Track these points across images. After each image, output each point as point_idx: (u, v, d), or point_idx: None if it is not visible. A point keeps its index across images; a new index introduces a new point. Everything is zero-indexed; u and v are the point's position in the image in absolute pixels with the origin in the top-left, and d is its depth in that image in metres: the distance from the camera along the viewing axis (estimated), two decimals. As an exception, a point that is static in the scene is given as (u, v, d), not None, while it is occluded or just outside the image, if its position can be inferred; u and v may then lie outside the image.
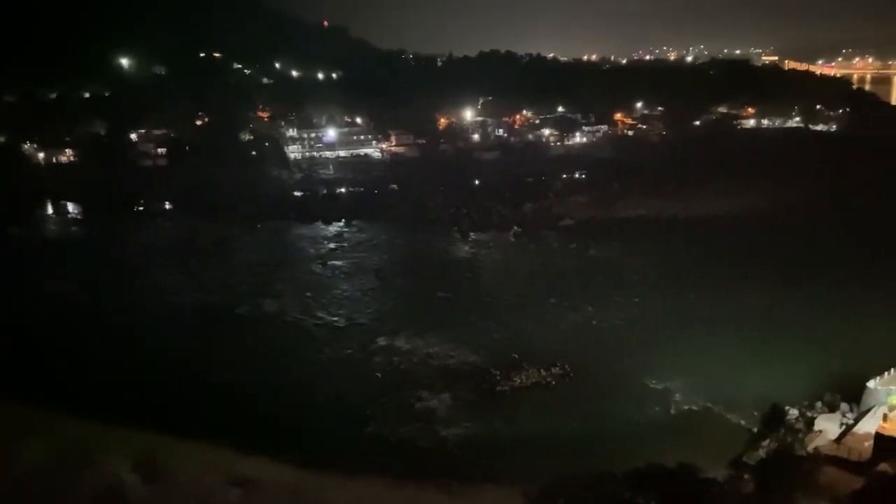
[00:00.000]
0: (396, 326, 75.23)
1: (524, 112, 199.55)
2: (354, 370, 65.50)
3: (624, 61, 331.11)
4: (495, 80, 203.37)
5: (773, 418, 52.90)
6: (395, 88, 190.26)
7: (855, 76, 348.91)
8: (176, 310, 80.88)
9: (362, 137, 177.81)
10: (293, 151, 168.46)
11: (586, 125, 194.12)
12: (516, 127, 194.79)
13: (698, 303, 78.89)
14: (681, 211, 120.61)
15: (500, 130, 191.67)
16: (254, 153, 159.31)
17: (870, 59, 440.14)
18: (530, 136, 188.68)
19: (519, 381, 61.44)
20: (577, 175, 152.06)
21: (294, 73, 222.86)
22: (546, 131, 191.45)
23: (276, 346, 71.09)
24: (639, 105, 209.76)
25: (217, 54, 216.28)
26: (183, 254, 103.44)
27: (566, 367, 63.07)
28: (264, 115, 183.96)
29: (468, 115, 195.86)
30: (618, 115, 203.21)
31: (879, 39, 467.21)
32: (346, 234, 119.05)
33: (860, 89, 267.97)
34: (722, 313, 74.60)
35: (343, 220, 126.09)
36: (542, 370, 62.70)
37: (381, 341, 71.52)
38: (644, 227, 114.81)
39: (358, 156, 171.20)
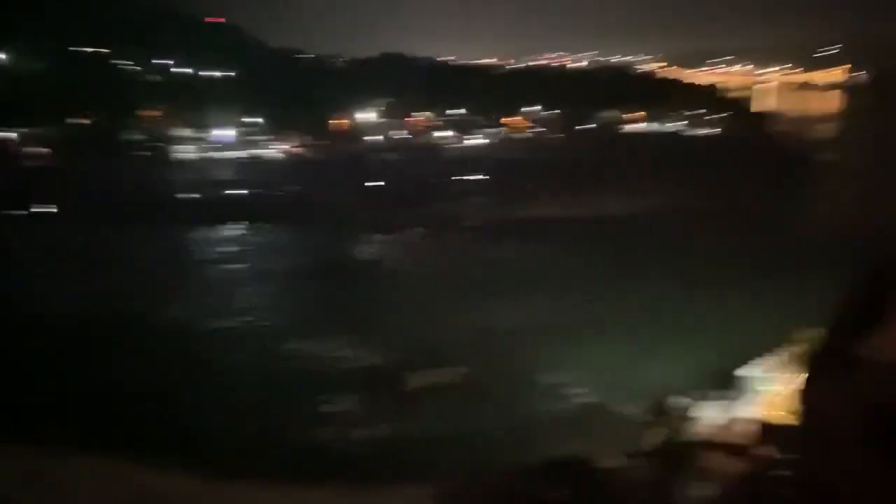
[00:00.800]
0: (302, 330, 74.44)
1: (425, 113, 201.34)
2: (260, 376, 64.43)
3: (520, 65, 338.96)
4: (396, 81, 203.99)
5: (664, 408, 56.42)
6: (294, 88, 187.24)
7: (730, 82, 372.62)
8: (67, 320, 76.40)
9: (260, 138, 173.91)
10: (186, 152, 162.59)
11: (485, 127, 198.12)
12: (417, 128, 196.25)
13: (599, 300, 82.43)
14: (580, 211, 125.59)
15: (402, 132, 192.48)
16: (143, 153, 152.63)
17: (749, 67, 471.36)
18: (431, 138, 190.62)
19: (426, 381, 62.41)
20: (478, 176, 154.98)
21: (186, 71, 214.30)
22: (447, 133, 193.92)
23: (177, 353, 68.73)
24: (535, 108, 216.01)
25: (102, 50, 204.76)
26: (71, 260, 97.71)
27: (472, 365, 64.68)
28: (154, 113, 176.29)
29: (369, 115, 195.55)
30: (515, 118, 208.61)
31: (757, 48, 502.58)
32: (245, 237, 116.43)
33: (734, 95, 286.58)
34: (621, 310, 78.41)
35: (242, 222, 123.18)
36: (448, 369, 64.00)
37: (287, 346, 70.56)
38: (545, 227, 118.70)
39: (256, 156, 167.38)
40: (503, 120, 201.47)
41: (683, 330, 71.56)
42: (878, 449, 25.83)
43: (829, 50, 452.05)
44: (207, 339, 72.95)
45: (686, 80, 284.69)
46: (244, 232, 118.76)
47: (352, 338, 71.51)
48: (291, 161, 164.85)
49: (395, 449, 52.07)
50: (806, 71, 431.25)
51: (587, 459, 43.27)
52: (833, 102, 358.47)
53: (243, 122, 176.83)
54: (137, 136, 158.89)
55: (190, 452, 50.26)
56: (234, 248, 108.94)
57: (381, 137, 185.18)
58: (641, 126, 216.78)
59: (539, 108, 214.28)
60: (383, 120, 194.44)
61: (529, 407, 57.83)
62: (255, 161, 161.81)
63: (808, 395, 34.99)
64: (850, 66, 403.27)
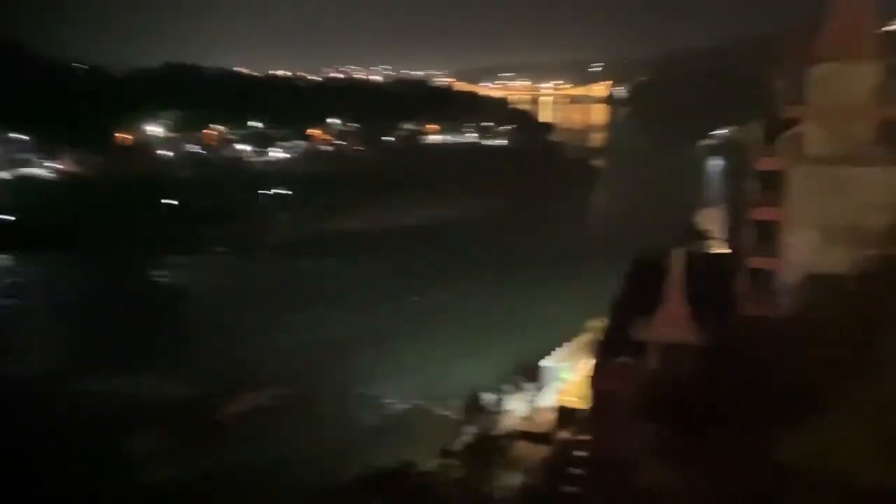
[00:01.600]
0: (94, 367, 67.79)
1: (218, 127, 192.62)
2: (47, 422, 57.59)
3: (315, 78, 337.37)
4: (183, 94, 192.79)
5: (474, 405, 59.25)
6: (67, 101, 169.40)
7: (515, 97, 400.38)
8: None
9: (27, 156, 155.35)
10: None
11: (283, 140, 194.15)
12: (211, 143, 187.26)
13: (408, 307, 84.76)
14: (385, 222, 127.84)
15: (194, 146, 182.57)
16: None
17: (525, 83, 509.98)
18: (227, 153, 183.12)
19: (243, 406, 60.00)
20: (280, 191, 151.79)
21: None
22: (243, 147, 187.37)
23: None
24: (333, 121, 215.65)
25: None
26: None
27: (288, 385, 63.25)
28: None
29: (156, 130, 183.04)
30: (314, 131, 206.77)
31: (532, 66, 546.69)
32: (15, 269, 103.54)
33: (520, 108, 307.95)
34: (430, 315, 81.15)
35: (9, 252, 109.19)
36: (262, 393, 62.02)
37: (79, 386, 63.83)
38: (353, 238, 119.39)
39: (23, 177, 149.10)
40: (306, 133, 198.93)
41: (490, 329, 75.79)
42: (657, 421, 29.31)
43: (595, 67, 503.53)
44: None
45: (477, 94, 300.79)
46: (10, 263, 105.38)
47: (153, 370, 66.57)
48: (67, 181, 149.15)
49: (210, 482, 49.31)
50: (577, 86, 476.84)
51: (407, 466, 44.23)
52: (601, 113, 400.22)
53: (6, 138, 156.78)
54: None
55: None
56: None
57: (171, 153, 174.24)
58: (440, 138, 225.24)
59: (340, 121, 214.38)
60: (173, 134, 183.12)
61: (350, 420, 57.82)
62: (21, 181, 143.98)
63: (596, 379, 38.67)
64: (612, 81, 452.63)
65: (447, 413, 59.52)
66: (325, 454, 52.08)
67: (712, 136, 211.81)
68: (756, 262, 34.39)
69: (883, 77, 33.40)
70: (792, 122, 33.75)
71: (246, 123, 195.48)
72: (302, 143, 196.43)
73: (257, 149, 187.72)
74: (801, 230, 32.70)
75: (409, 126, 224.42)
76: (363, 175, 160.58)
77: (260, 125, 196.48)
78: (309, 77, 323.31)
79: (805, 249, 32.50)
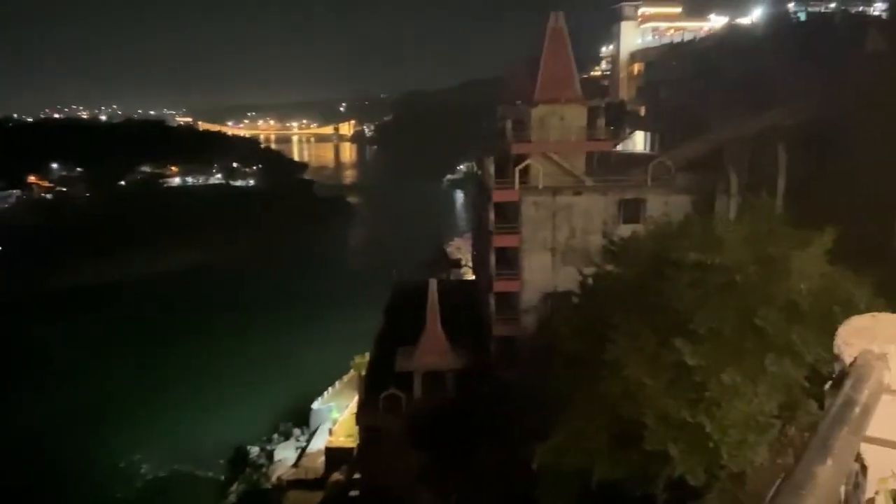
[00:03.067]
0: None
1: None
2: None
3: (30, 119, 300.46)
4: None
5: (238, 461, 56.13)
6: None
7: (262, 136, 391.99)
8: None
9: None
10: None
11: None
12: None
13: (154, 367, 77.38)
14: (123, 274, 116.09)
15: None
16: None
17: (271, 122, 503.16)
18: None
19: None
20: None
21: None
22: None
23: None
24: (55, 166, 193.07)
25: None
26: None
27: (13, 466, 54.29)
28: None
29: None
30: (32, 178, 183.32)
31: (277, 105, 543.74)
32: None
33: (268, 148, 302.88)
34: (183, 370, 74.93)
35: None
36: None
37: None
38: (85, 296, 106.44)
39: None
40: (16, 181, 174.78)
41: (253, 377, 72.11)
42: (424, 448, 30.15)
43: (339, 107, 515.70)
44: None
45: (214, 135, 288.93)
46: None
47: None
48: None
49: None
50: (324, 125, 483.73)
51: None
52: (350, 151, 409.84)
53: None
54: None
55: None
56: None
57: None
58: (182, 180, 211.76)
59: (59, 165, 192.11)
60: None
61: (98, 497, 51.14)
62: None
63: (363, 414, 38.83)
64: (354, 121, 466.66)
65: (209, 474, 55.55)
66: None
67: (455, 171, 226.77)
68: (501, 285, 37.15)
69: (586, 116, 38.54)
70: (521, 158, 37.31)
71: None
72: (15, 192, 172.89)
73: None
74: (535, 254, 36.19)
75: (145, 168, 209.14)
76: (93, 223, 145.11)
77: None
78: (20, 118, 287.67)
79: (539, 271, 36.01)
